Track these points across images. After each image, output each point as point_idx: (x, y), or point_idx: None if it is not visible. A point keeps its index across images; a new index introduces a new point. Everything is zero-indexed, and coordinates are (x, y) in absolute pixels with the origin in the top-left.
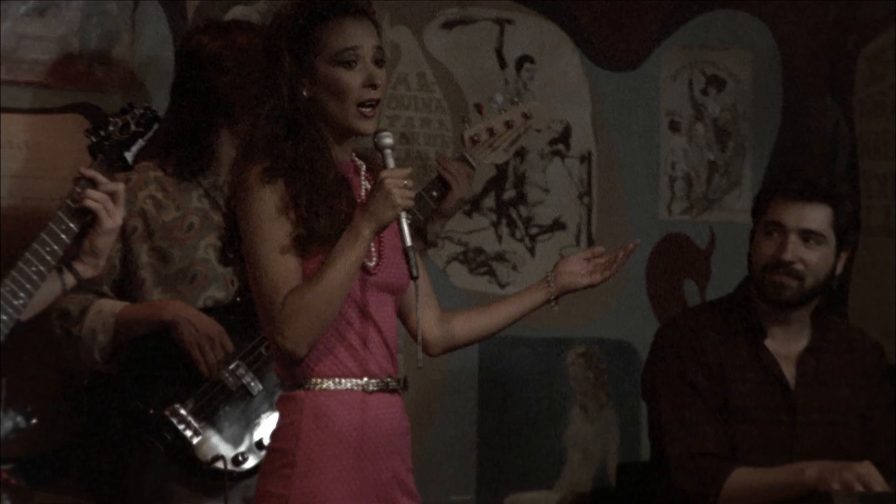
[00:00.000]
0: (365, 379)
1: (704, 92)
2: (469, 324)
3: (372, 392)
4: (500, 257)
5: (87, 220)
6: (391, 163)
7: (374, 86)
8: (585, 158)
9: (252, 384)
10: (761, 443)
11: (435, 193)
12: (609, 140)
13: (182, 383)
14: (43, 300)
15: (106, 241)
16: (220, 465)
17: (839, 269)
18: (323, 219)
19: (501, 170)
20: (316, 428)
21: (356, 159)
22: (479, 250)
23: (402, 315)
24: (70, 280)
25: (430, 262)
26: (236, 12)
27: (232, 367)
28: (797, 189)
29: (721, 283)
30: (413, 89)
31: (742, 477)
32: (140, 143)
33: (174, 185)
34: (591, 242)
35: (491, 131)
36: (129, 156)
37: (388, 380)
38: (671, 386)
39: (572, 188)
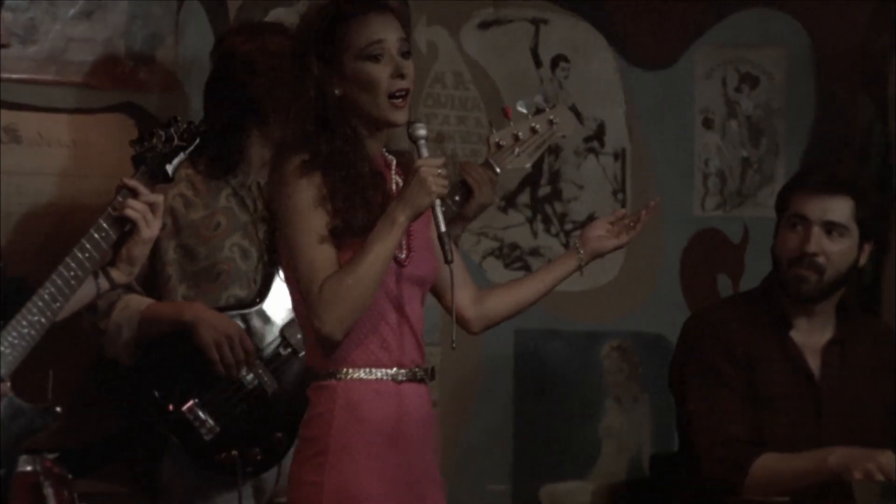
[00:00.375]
0: (395, 369)
1: (738, 89)
2: (505, 298)
3: (401, 382)
4: (536, 252)
5: (127, 228)
6: (425, 152)
7: (402, 76)
8: (619, 155)
9: (268, 383)
10: (787, 432)
11: (457, 198)
12: (643, 137)
13: (200, 380)
14: (78, 302)
15: (142, 251)
16: (233, 460)
17: (862, 261)
18: (359, 211)
19: (537, 167)
20: (349, 417)
21: (387, 154)
22: (515, 245)
23: (438, 295)
24: (105, 285)
25: (466, 257)
26: (277, 13)
27: (251, 367)
28: (820, 181)
29: (754, 277)
30: (449, 88)
31: (768, 463)
32: (182, 156)
33: (204, 184)
34: None
35: (516, 137)
36: (170, 168)
37: (417, 370)
38: (699, 376)
39: (606, 185)
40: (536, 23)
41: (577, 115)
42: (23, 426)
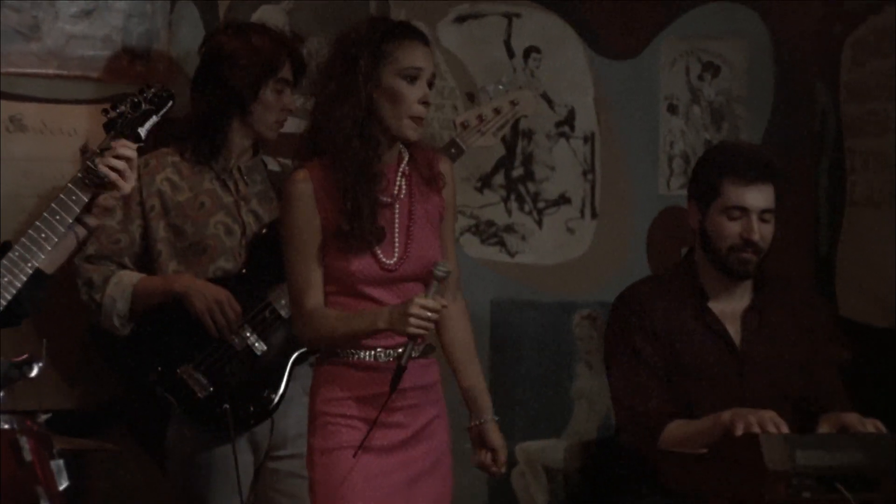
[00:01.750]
0: (378, 349)
1: (700, 77)
2: (449, 345)
3: (384, 361)
4: (510, 229)
5: (105, 183)
6: (431, 291)
7: (426, 103)
8: (589, 139)
9: (256, 345)
10: (712, 397)
11: None
12: (611, 122)
13: (192, 344)
14: (61, 255)
15: (116, 201)
16: (225, 415)
17: None
18: (357, 223)
19: (510, 150)
20: (330, 388)
21: (403, 152)
22: (491, 223)
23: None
24: (82, 232)
25: None
26: (264, 11)
27: (238, 329)
28: (754, 171)
29: None
30: None
31: (675, 429)
32: (154, 119)
33: (189, 169)
34: (594, 215)
35: (480, 117)
36: (142, 131)
37: (401, 349)
38: (619, 354)
39: (577, 166)
40: (509, 17)
41: (549, 101)
42: None
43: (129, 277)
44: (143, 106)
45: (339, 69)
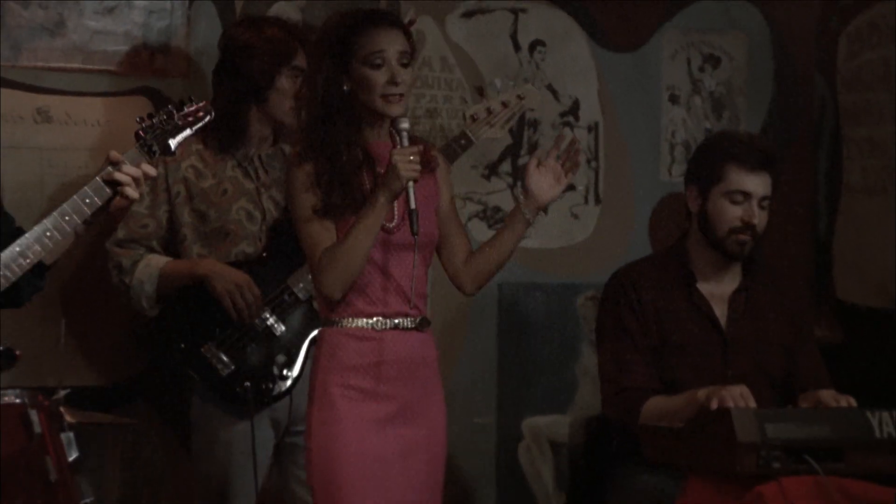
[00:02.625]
0: (376, 318)
1: (701, 69)
2: (484, 257)
3: (383, 329)
4: None
5: (117, 190)
6: (405, 142)
7: (395, 83)
8: (593, 128)
9: (276, 326)
10: (696, 374)
11: None
12: (614, 112)
13: (215, 325)
14: (61, 249)
15: (124, 209)
16: (245, 392)
17: None
18: (337, 192)
19: (517, 139)
20: (329, 358)
21: (402, 128)
22: (497, 208)
23: (441, 258)
24: (81, 228)
25: None
26: (278, 8)
27: (258, 311)
28: (757, 159)
29: None
30: (436, 70)
31: (654, 404)
32: (188, 132)
33: (212, 157)
34: (598, 201)
35: (489, 110)
36: (173, 143)
37: (399, 320)
38: (608, 332)
39: (581, 154)
40: (515, 12)
41: (554, 93)
42: None
43: (157, 261)
44: (176, 120)
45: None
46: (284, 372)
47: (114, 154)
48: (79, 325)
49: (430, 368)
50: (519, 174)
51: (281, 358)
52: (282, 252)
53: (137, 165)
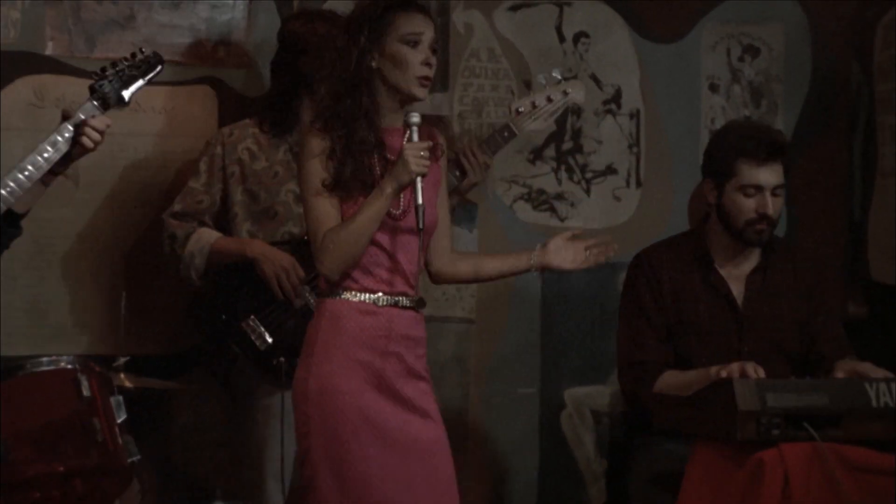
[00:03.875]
0: (378, 294)
1: (741, 59)
2: (470, 266)
3: (383, 306)
4: (560, 196)
5: (77, 141)
6: (415, 137)
7: (428, 65)
8: (634, 115)
9: (313, 303)
10: (712, 351)
11: (458, 173)
12: (655, 100)
13: (257, 300)
14: (33, 199)
15: (82, 156)
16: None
17: None
18: (349, 169)
19: (561, 126)
20: (331, 327)
21: (412, 123)
22: (542, 191)
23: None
24: (50, 179)
25: (498, 201)
26: (332, 3)
27: (300, 290)
28: (766, 152)
29: None
30: (484, 61)
31: (668, 378)
32: (140, 83)
33: (266, 141)
34: (639, 185)
35: (533, 104)
36: (126, 94)
37: (399, 298)
38: (628, 310)
39: (623, 140)
40: (560, 5)
41: (597, 82)
42: None
43: (208, 236)
44: (128, 72)
45: (342, 42)
46: None
47: (66, 110)
48: (141, 297)
49: (422, 346)
50: (563, 158)
51: None
52: None
53: (93, 117)
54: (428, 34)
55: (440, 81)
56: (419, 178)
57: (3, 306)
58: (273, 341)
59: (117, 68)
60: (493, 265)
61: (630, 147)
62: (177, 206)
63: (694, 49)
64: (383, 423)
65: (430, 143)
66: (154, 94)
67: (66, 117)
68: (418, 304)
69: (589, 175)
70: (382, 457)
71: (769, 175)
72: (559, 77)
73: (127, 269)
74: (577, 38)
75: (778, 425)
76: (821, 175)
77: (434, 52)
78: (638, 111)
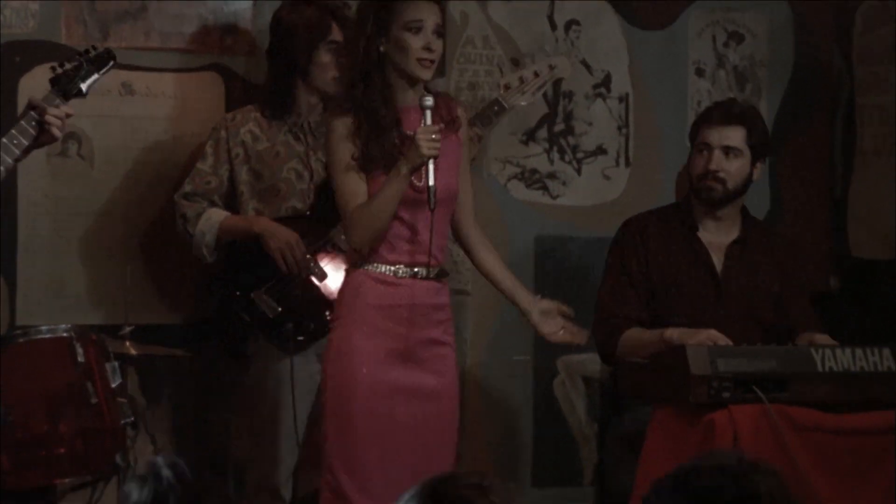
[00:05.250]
0: (398, 266)
1: (726, 45)
2: (487, 268)
3: (402, 277)
4: (552, 176)
5: (44, 129)
6: (428, 121)
7: (430, 49)
8: (623, 99)
9: (318, 274)
10: (691, 314)
11: None
12: (644, 84)
13: (264, 273)
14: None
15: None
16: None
17: (756, 177)
18: (375, 146)
19: (553, 108)
20: (353, 296)
21: (425, 106)
22: (535, 171)
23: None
24: (10, 165)
25: (493, 180)
26: None
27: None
28: (718, 115)
29: None
30: (479, 48)
31: (631, 334)
32: (96, 76)
33: (267, 124)
34: (628, 164)
35: (521, 79)
36: (83, 86)
37: (419, 269)
38: (611, 269)
39: (612, 122)
40: None
41: (587, 67)
42: None
43: (217, 215)
44: (85, 66)
45: (353, 31)
46: (326, 313)
47: (33, 99)
48: (156, 271)
49: (443, 313)
50: (555, 139)
51: (323, 301)
52: (326, 208)
53: (56, 106)
54: (431, 20)
55: (438, 67)
56: (431, 160)
57: (23, 280)
58: (281, 310)
59: (75, 63)
60: (498, 282)
61: (619, 129)
62: (187, 188)
63: (681, 36)
64: (395, 381)
65: (441, 126)
66: (165, 80)
67: (32, 107)
68: (439, 274)
69: (580, 155)
70: (390, 412)
71: (719, 135)
72: (546, 54)
73: (141, 245)
74: (569, 25)
75: (728, 388)
76: (803, 155)
77: (439, 35)
78: (627, 95)
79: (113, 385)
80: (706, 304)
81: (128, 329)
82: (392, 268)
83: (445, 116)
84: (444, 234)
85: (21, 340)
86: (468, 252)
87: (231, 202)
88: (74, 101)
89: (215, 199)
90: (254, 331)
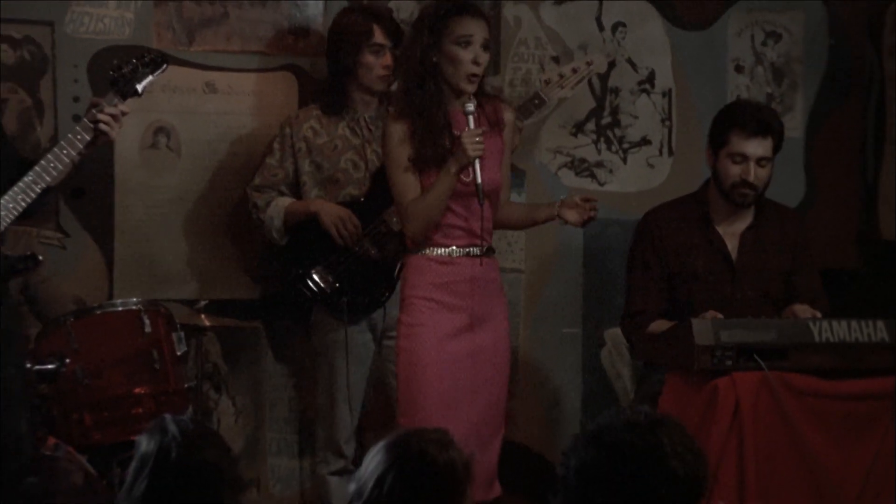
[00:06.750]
0: (452, 248)
1: (764, 43)
2: (508, 215)
3: (456, 256)
4: (600, 164)
5: (100, 129)
6: (471, 124)
7: (477, 63)
8: (667, 93)
9: (373, 252)
10: (709, 298)
11: None
12: (686, 80)
13: (323, 252)
14: (62, 175)
15: (107, 142)
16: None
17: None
18: (428, 147)
19: (600, 103)
20: (417, 276)
21: (468, 112)
22: (583, 160)
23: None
24: (77, 159)
25: (544, 168)
26: (396, 1)
27: (359, 240)
28: (755, 127)
29: (776, 179)
30: (531, 48)
31: (656, 326)
32: (150, 78)
33: (326, 120)
34: (671, 153)
35: (560, 75)
36: (139, 87)
37: (470, 249)
38: (634, 262)
39: (656, 115)
40: None
41: (633, 65)
42: (5, 269)
43: (283, 202)
44: (140, 69)
45: (409, 42)
46: (379, 288)
47: (94, 98)
48: (235, 251)
49: (494, 284)
50: (602, 131)
51: (377, 277)
52: (380, 194)
53: (115, 106)
54: (479, 35)
55: (491, 66)
56: (476, 160)
57: (119, 259)
58: (339, 285)
59: (131, 66)
60: (522, 214)
61: (663, 121)
62: (257, 180)
63: (721, 35)
64: (457, 350)
65: (485, 129)
66: (244, 79)
67: (93, 105)
68: (487, 252)
69: (626, 146)
70: (454, 378)
71: (755, 147)
72: (584, 52)
73: (221, 228)
74: (615, 27)
75: (731, 357)
76: (837, 144)
77: (486, 48)
78: (670, 90)
79: (178, 353)
80: (723, 289)
81: (202, 303)
82: (447, 249)
83: (491, 117)
84: (490, 219)
85: (98, 312)
86: (498, 220)
87: (296, 191)
88: (159, 99)
89: (282, 188)
90: (314, 304)
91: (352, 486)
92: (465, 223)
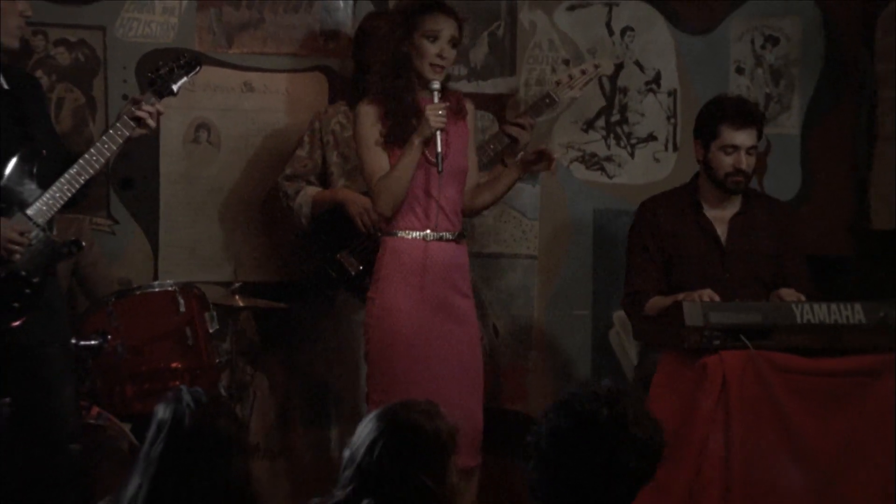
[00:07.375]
0: (426, 231)
1: (763, 47)
2: (477, 197)
3: (430, 241)
4: (609, 159)
5: (140, 123)
6: (436, 100)
7: (441, 56)
8: (672, 93)
9: None
10: (700, 279)
11: (508, 141)
12: (689, 81)
13: (348, 237)
14: (101, 168)
15: (141, 134)
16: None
17: None
18: (399, 126)
19: (610, 101)
20: (391, 259)
21: (433, 88)
22: (594, 154)
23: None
24: (115, 152)
25: (557, 162)
26: None
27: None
28: (742, 119)
29: (774, 173)
30: (545, 51)
31: (655, 301)
32: (185, 79)
33: (352, 114)
34: (675, 149)
35: (570, 76)
36: (174, 87)
37: (444, 233)
38: (633, 246)
39: (662, 113)
40: (610, 5)
41: (640, 67)
42: (51, 252)
43: (311, 191)
44: (176, 70)
45: (385, 33)
46: None
47: (134, 96)
48: (270, 237)
49: (462, 271)
50: (611, 128)
51: None
52: None
53: (152, 104)
54: (447, 32)
55: (508, 67)
56: (438, 132)
57: (163, 244)
58: (363, 268)
59: (167, 68)
60: (497, 187)
61: (668, 118)
62: (287, 171)
63: (723, 39)
64: (429, 331)
65: (448, 104)
66: (279, 79)
67: (133, 102)
68: (458, 238)
69: (633, 141)
70: (427, 354)
71: (745, 137)
72: (593, 56)
73: (256, 216)
74: (624, 31)
75: (718, 337)
76: (831, 141)
77: (454, 46)
78: (675, 90)
79: (210, 330)
80: (714, 270)
81: (237, 285)
82: (421, 233)
83: (454, 106)
84: (457, 203)
85: (137, 293)
86: (468, 206)
87: (324, 181)
88: (201, 98)
89: (311, 178)
90: (339, 286)
91: (346, 453)
92: (429, 202)
